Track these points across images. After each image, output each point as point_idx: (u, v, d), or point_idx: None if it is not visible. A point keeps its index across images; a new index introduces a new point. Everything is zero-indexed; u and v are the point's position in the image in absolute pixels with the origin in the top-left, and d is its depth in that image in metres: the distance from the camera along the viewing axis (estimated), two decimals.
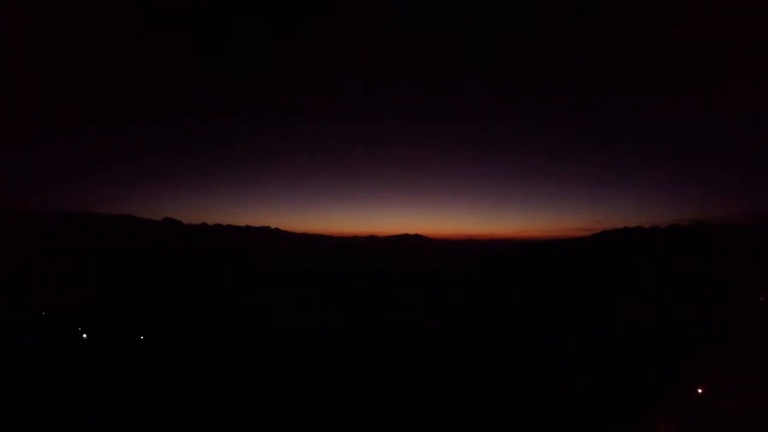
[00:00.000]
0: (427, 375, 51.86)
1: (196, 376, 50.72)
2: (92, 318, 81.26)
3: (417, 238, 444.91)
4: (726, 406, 40.96)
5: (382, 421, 40.45)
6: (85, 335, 68.94)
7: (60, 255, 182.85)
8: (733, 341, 56.86)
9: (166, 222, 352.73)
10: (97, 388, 45.56)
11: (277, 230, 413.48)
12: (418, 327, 79.36)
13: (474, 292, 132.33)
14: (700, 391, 44.20)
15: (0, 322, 72.05)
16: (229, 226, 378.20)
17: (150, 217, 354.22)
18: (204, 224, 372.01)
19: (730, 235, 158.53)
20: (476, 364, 56.01)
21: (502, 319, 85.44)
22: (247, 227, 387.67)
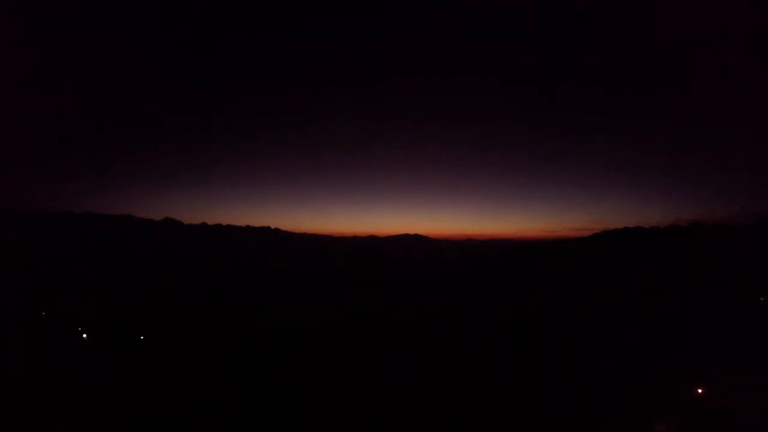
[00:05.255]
0: (426, 375, 51.86)
1: (196, 376, 50.73)
2: (92, 318, 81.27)
3: (417, 238, 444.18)
4: (726, 406, 40.97)
5: (381, 421, 40.44)
6: (85, 335, 68.95)
7: (60, 255, 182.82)
8: (733, 341, 56.82)
9: (166, 222, 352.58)
10: (97, 388, 45.54)
11: (277, 230, 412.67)
12: (418, 327, 79.40)
13: (474, 292, 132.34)
14: (700, 391, 44.21)
15: (0, 322, 72.00)
16: (229, 226, 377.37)
17: (150, 217, 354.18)
18: (204, 224, 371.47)
19: (730, 235, 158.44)
20: (475, 363, 56.03)
21: (501, 319, 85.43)
22: (247, 227, 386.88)
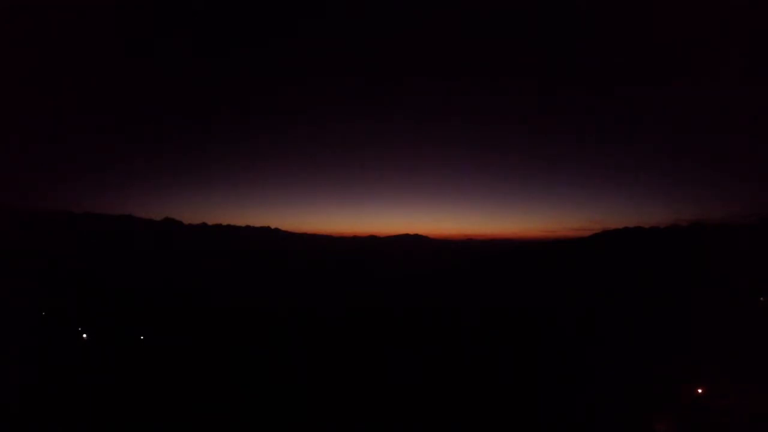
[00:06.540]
0: (426, 375, 51.85)
1: (196, 376, 50.73)
2: (92, 318, 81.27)
3: (417, 238, 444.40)
4: (726, 406, 40.96)
5: (381, 421, 40.44)
6: (85, 335, 68.95)
7: (60, 255, 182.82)
8: (733, 341, 56.84)
9: (166, 222, 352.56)
10: (97, 388, 45.55)
11: (277, 230, 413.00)
12: (418, 327, 79.39)
13: (474, 292, 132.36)
14: (700, 391, 44.20)
15: (0, 321, 71.99)
16: (229, 226, 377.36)
17: (150, 217, 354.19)
18: (204, 224, 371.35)
19: (730, 235, 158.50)
20: (475, 363, 56.02)
21: (501, 319, 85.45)
22: (247, 227, 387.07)
